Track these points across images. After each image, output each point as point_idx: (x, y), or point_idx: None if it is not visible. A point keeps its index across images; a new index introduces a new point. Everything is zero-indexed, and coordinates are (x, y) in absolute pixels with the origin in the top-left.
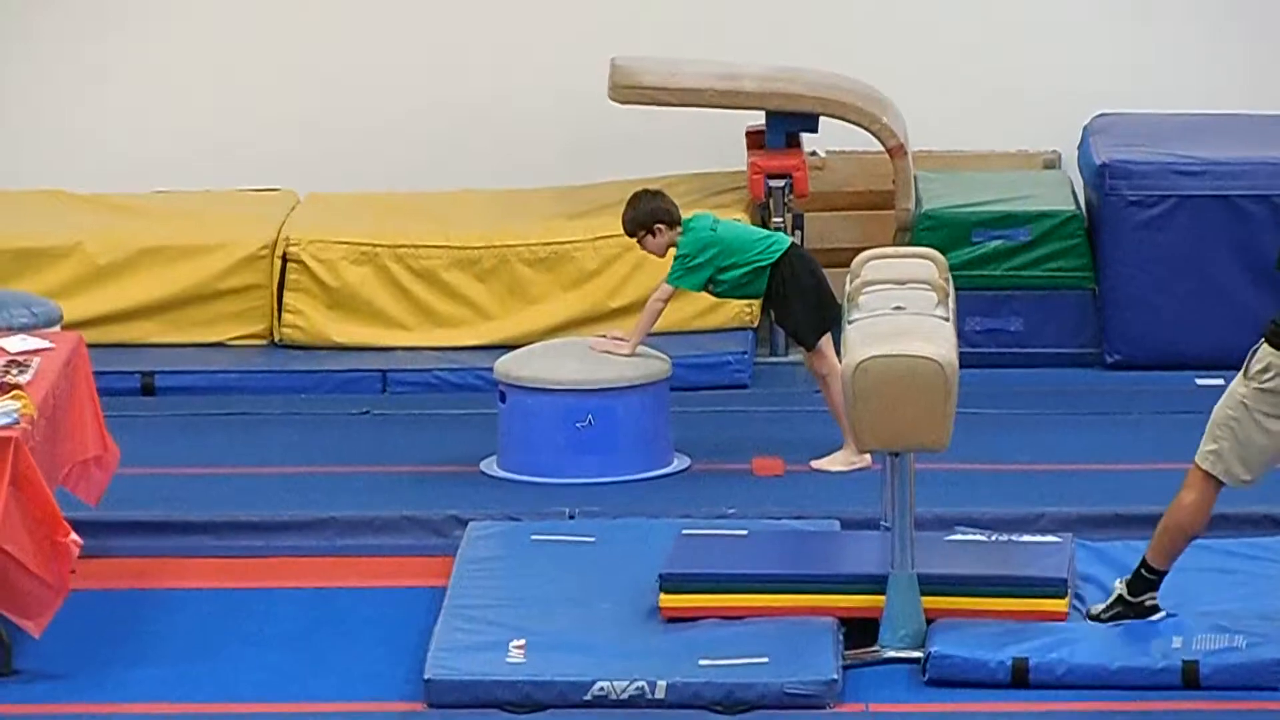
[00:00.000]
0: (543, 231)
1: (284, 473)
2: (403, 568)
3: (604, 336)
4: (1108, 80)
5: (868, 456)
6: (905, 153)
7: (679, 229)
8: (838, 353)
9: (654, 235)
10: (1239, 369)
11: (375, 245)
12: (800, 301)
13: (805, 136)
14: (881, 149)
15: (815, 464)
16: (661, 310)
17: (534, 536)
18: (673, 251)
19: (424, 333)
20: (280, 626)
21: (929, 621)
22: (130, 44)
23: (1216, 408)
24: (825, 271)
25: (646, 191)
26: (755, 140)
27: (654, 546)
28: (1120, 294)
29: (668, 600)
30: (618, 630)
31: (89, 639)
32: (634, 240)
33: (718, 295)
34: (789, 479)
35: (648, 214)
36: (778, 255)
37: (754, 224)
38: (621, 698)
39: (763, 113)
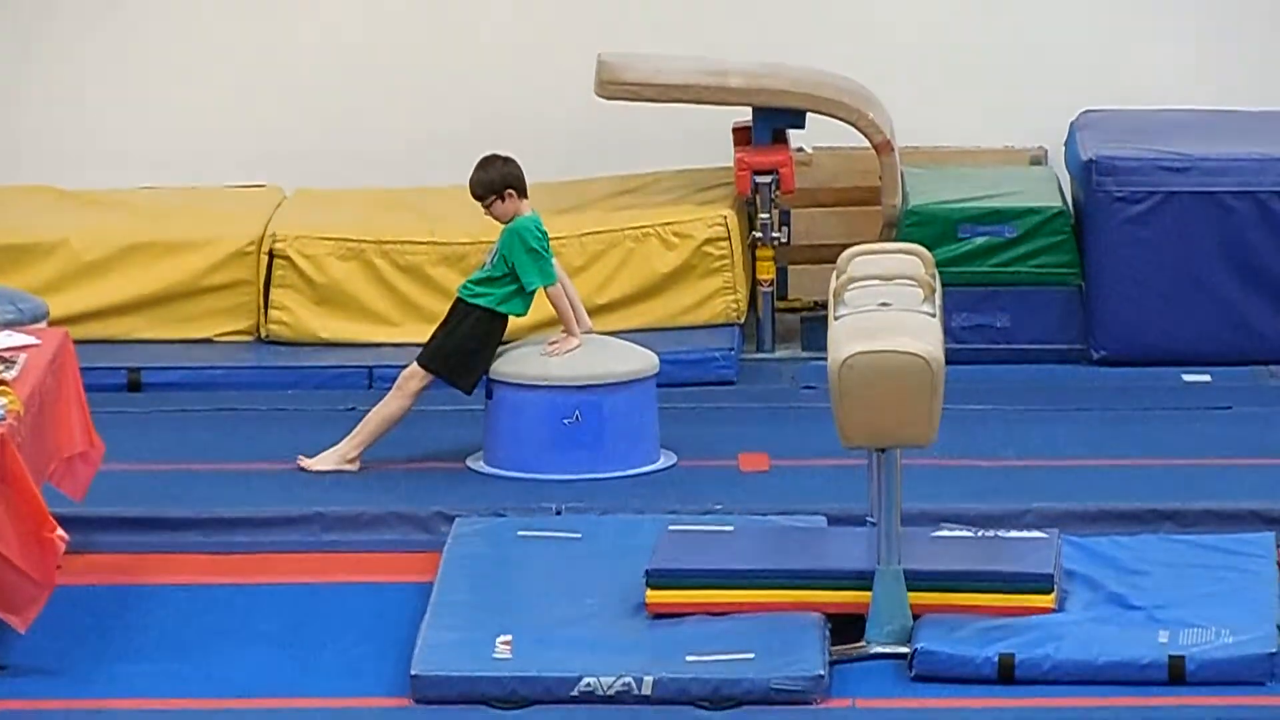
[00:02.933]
0: None
1: (270, 469)
2: (389, 563)
3: (550, 343)
4: (1094, 76)
5: (356, 465)
6: (892, 149)
7: (525, 202)
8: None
9: (503, 200)
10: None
11: (361, 241)
12: (469, 342)
13: (792, 132)
14: (868, 145)
15: (301, 461)
16: (563, 293)
17: (520, 532)
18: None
19: (410, 328)
20: (267, 622)
21: (915, 617)
22: (116, 40)
23: None
24: (811, 267)
25: (498, 156)
26: (742, 136)
27: (640, 542)
28: (1106, 290)
29: (654, 596)
30: (604, 626)
31: (75, 634)
32: (486, 203)
33: (486, 280)
34: (775, 474)
35: (500, 178)
36: (520, 312)
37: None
38: (608, 693)
39: (749, 109)
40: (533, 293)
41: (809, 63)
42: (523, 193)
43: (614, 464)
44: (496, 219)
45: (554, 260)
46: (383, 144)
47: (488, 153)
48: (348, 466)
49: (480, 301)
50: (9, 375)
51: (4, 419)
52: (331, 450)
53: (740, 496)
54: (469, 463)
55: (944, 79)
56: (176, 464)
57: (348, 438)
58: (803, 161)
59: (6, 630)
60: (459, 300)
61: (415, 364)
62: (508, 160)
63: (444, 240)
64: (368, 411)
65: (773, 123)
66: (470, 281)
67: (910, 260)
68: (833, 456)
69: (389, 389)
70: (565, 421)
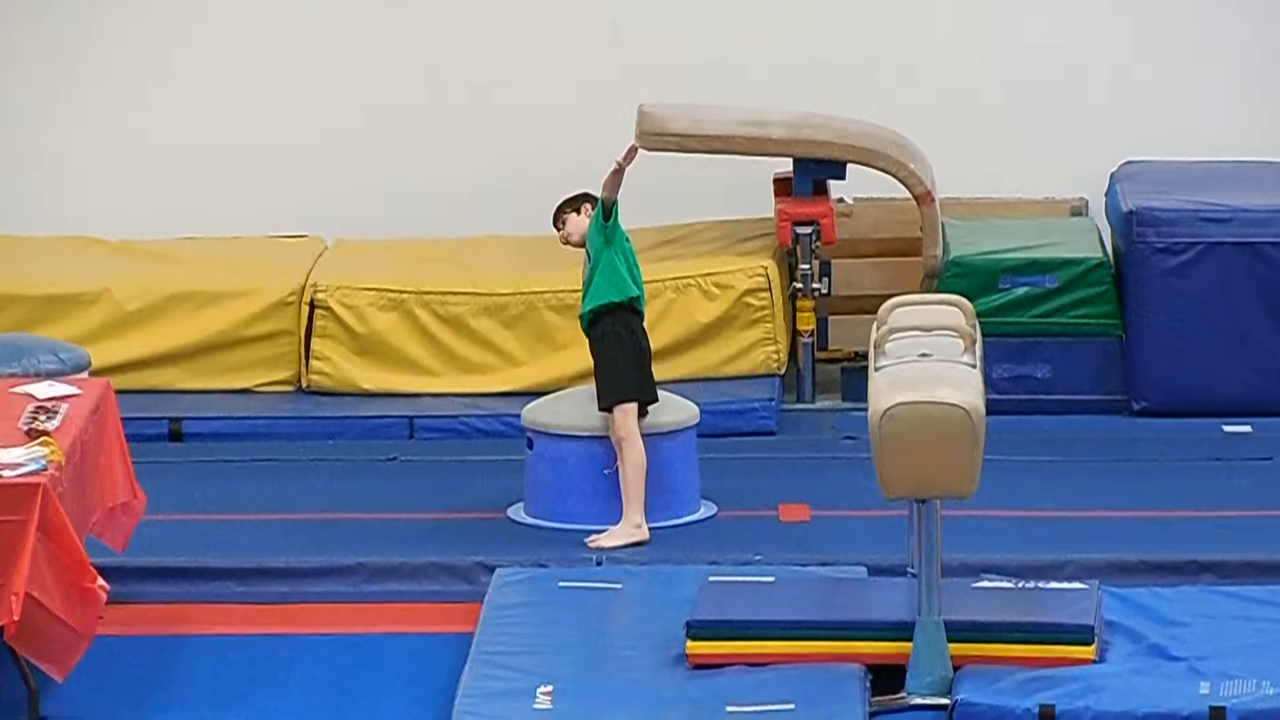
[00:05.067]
0: (569, 278)
1: (311, 519)
2: (430, 614)
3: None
4: (1135, 127)
5: (644, 532)
6: (933, 199)
7: (591, 206)
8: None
9: (579, 213)
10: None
11: (402, 291)
12: (625, 360)
13: (832, 183)
14: (909, 196)
15: (590, 541)
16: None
17: (561, 583)
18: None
19: (451, 379)
20: (308, 673)
21: (956, 668)
22: (159, 91)
23: None
24: (852, 318)
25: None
26: (782, 187)
27: (681, 593)
28: (1147, 341)
29: (694, 647)
30: (645, 677)
31: (117, 685)
32: (566, 233)
33: (593, 270)
34: (815, 525)
35: (575, 195)
36: (637, 292)
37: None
38: None
39: (790, 159)
40: (628, 267)
41: (850, 114)
42: (579, 206)
43: (654, 514)
44: (569, 235)
45: (615, 226)
46: (424, 195)
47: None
48: (639, 535)
49: (595, 304)
50: (51, 425)
51: (46, 469)
52: (616, 528)
53: (781, 547)
54: (509, 513)
55: (985, 130)
56: (217, 514)
57: (625, 513)
58: (843, 212)
59: (47, 680)
60: (587, 332)
61: (605, 413)
62: (580, 193)
63: (485, 291)
64: (408, 461)
65: (813, 173)
66: (583, 311)
67: (951, 311)
68: (873, 507)
69: (429, 440)
70: (605, 472)
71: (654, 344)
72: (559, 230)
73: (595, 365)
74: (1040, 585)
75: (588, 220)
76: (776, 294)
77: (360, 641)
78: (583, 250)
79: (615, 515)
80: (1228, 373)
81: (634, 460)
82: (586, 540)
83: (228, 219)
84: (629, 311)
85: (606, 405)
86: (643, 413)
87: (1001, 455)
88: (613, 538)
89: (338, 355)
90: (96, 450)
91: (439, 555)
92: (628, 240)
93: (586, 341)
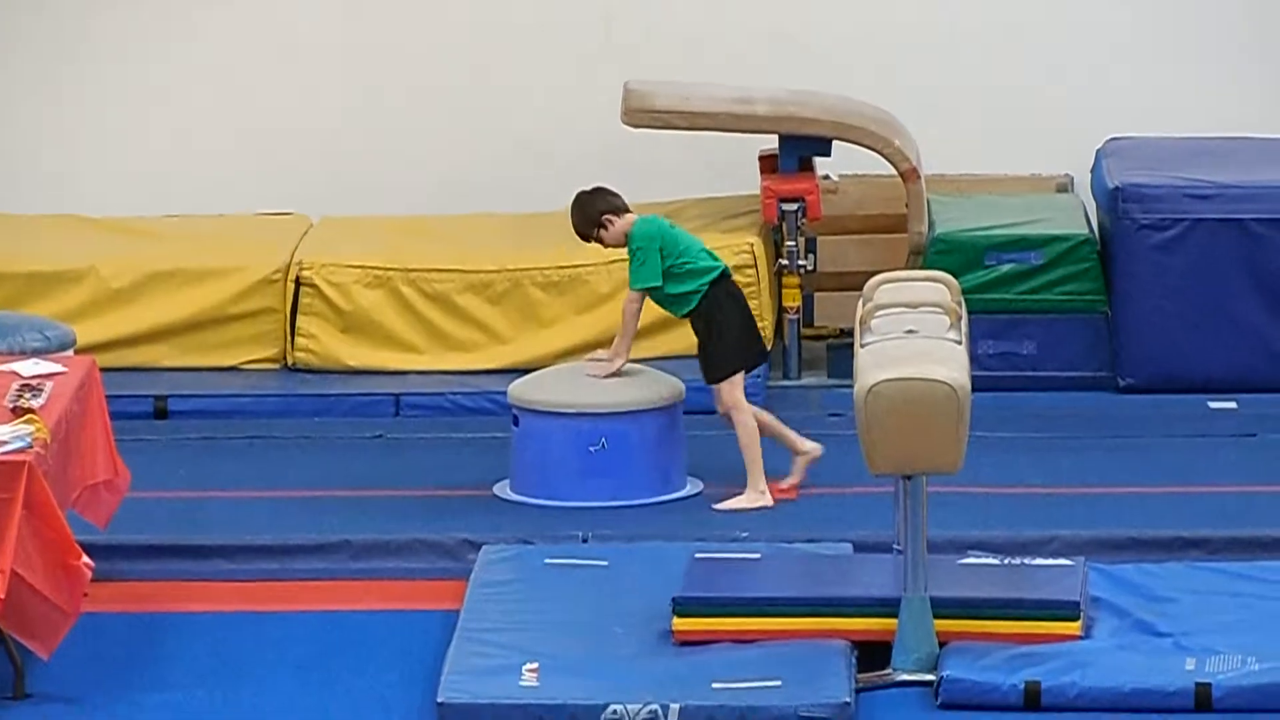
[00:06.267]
0: (556, 255)
1: (297, 496)
2: (416, 591)
3: (594, 359)
4: (1120, 104)
5: (769, 498)
6: (918, 176)
7: (629, 215)
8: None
9: (606, 229)
10: (1251, 392)
11: (388, 269)
12: (728, 333)
13: (818, 160)
14: (894, 173)
15: (716, 506)
16: (638, 313)
17: (547, 560)
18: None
19: (437, 356)
20: (294, 650)
21: (941, 645)
22: (144, 68)
23: None
24: (837, 294)
25: (582, 193)
26: (768, 164)
27: (667, 570)
28: (1133, 317)
29: (681, 624)
30: (631, 654)
31: (102, 663)
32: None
33: (656, 300)
34: (802, 502)
35: (593, 212)
36: (720, 271)
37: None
38: None
39: (776, 136)
40: (704, 275)
41: (836, 90)
42: (621, 211)
43: (641, 491)
44: (611, 247)
45: (646, 272)
46: (409, 172)
47: (576, 193)
48: (763, 500)
49: (683, 291)
50: (36, 403)
51: (31, 447)
52: (742, 494)
53: (767, 524)
54: (495, 490)
55: (970, 106)
56: (203, 491)
57: (749, 479)
58: (829, 189)
59: (33, 658)
60: (688, 318)
61: (713, 386)
62: (593, 193)
63: (471, 268)
64: (394, 438)
65: (799, 150)
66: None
67: (936, 287)
68: (859, 484)
69: (415, 417)
70: (591, 449)
71: (640, 320)
72: (599, 243)
73: (700, 340)
74: (1026, 561)
75: (614, 228)
76: (762, 271)
77: (346, 619)
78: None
79: (600, 492)
80: (1213, 349)
81: (747, 427)
82: (714, 506)
83: (214, 196)
84: (711, 287)
85: (716, 378)
86: (749, 371)
87: (987, 432)
88: (738, 502)
89: (323, 333)
90: (80, 428)
91: (425, 532)
92: (662, 242)
93: (573, 319)
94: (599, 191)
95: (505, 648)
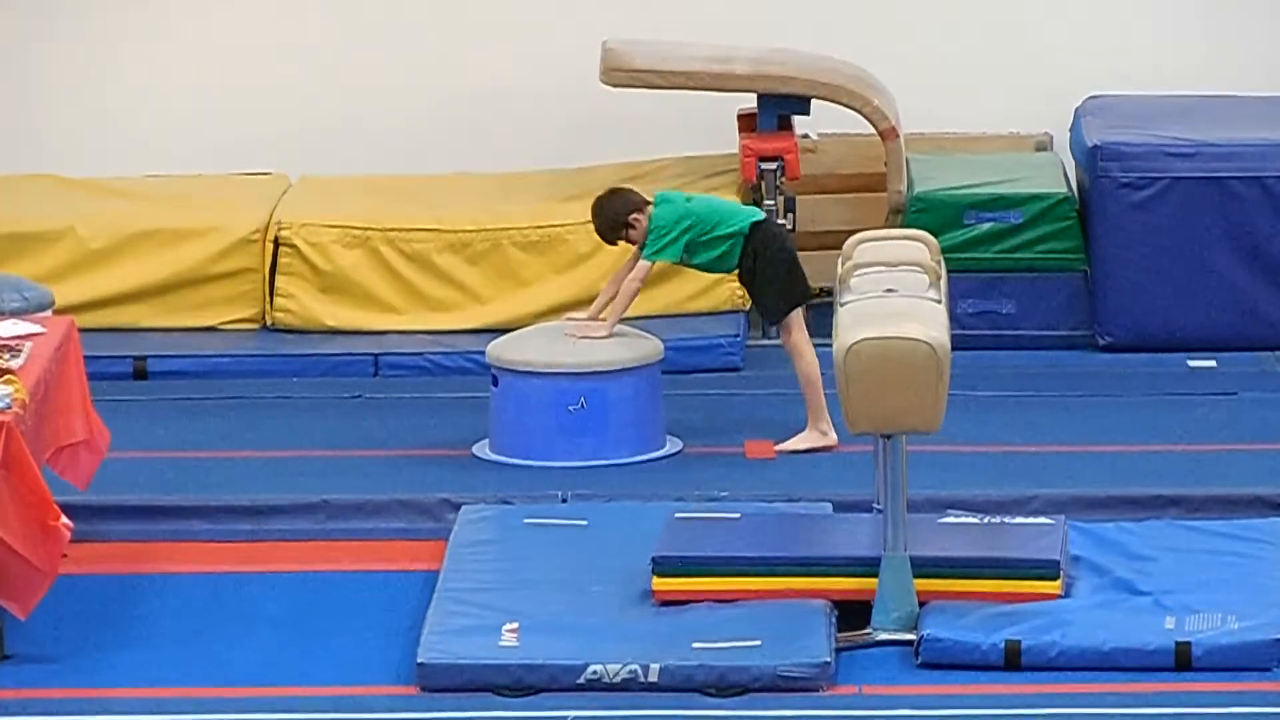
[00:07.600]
0: (535, 215)
1: (276, 456)
2: (395, 551)
3: (575, 319)
4: (1099, 62)
5: (833, 437)
6: (897, 135)
7: (649, 208)
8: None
9: (633, 228)
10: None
11: (367, 229)
12: (770, 275)
13: (797, 119)
14: (873, 131)
15: (779, 446)
16: (637, 292)
17: (526, 520)
18: None
19: (416, 316)
20: (272, 610)
21: (921, 604)
22: (123, 28)
23: None
24: (817, 253)
25: (600, 198)
26: (747, 123)
27: (646, 530)
28: (1112, 276)
29: (660, 583)
30: (611, 613)
31: (80, 623)
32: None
33: (695, 268)
34: (781, 462)
35: (616, 212)
36: (750, 225)
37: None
38: (614, 680)
39: (754, 95)
40: (741, 236)
41: (815, 49)
42: (643, 206)
43: (620, 451)
44: (639, 243)
45: (667, 252)
46: (388, 132)
47: (594, 200)
48: (826, 440)
49: (724, 265)
50: (14, 364)
51: (9, 407)
52: (803, 433)
53: (746, 483)
54: (474, 450)
55: (949, 65)
56: (182, 452)
57: (810, 418)
58: (808, 148)
59: (10, 619)
60: (735, 270)
61: (772, 326)
62: (612, 194)
63: (450, 228)
64: (373, 399)
65: (778, 109)
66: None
67: (916, 246)
68: (839, 443)
69: (394, 377)
70: (570, 408)
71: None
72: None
73: (754, 287)
74: (1006, 520)
75: (641, 225)
76: None
77: (325, 579)
78: None
79: (579, 451)
80: (1193, 308)
81: (805, 369)
82: (776, 446)
83: (192, 156)
84: (746, 240)
85: (774, 319)
86: (805, 306)
87: (967, 390)
88: (799, 442)
89: (302, 293)
90: (57, 388)
91: (404, 492)
92: (688, 221)
93: (552, 279)
94: (616, 193)
95: (485, 608)
